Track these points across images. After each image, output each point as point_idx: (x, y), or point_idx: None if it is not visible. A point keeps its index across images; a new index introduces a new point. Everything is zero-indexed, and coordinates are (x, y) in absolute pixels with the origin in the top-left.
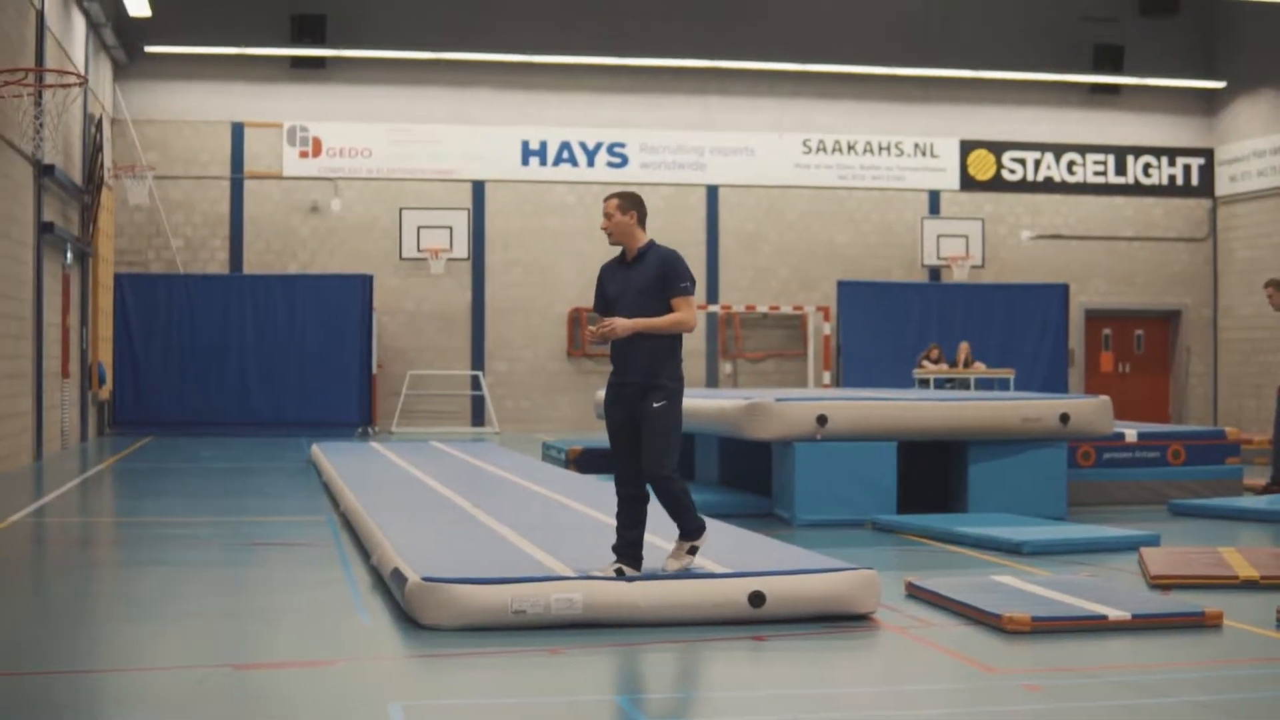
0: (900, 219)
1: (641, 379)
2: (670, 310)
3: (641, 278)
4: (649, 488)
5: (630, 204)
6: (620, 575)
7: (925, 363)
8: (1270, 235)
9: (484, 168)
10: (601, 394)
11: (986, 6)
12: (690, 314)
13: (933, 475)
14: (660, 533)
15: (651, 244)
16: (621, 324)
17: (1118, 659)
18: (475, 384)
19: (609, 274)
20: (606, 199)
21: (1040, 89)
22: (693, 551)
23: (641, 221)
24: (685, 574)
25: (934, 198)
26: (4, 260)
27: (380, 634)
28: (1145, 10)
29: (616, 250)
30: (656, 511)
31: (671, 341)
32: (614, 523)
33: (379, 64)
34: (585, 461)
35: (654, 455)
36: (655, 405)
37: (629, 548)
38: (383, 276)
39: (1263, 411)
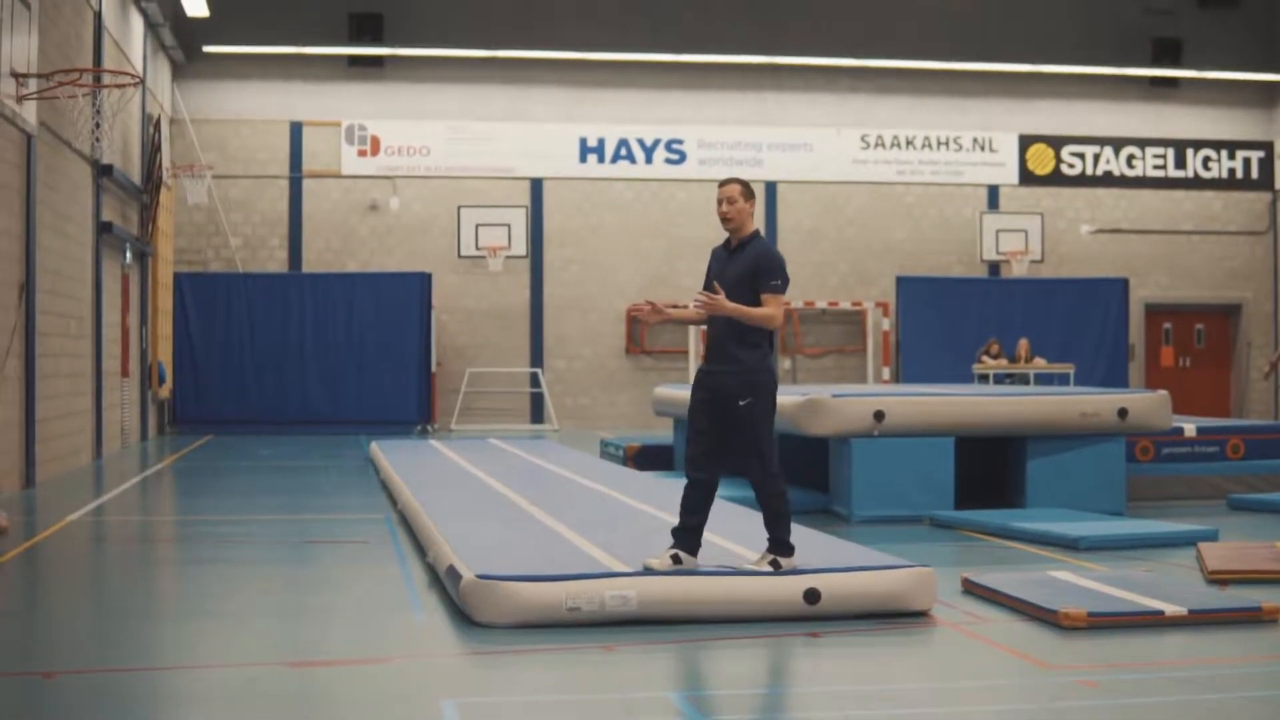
0: (959, 214)
1: (728, 369)
2: (759, 304)
3: (739, 267)
4: (752, 486)
5: (750, 192)
6: (676, 562)
7: (985, 358)
8: None
9: (542, 165)
10: (662, 389)
11: (1044, 0)
12: (777, 311)
13: (991, 471)
14: (725, 534)
15: (756, 234)
16: (722, 302)
17: (1174, 654)
18: (534, 381)
19: (715, 259)
20: (726, 184)
21: (1099, 83)
22: (774, 565)
23: (753, 211)
24: (740, 570)
25: (993, 192)
26: (63, 260)
27: (435, 631)
28: (1204, 3)
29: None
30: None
31: (758, 336)
32: (672, 519)
33: (436, 62)
34: (643, 458)
35: (752, 458)
36: (741, 403)
37: (687, 534)
38: (441, 274)
39: None
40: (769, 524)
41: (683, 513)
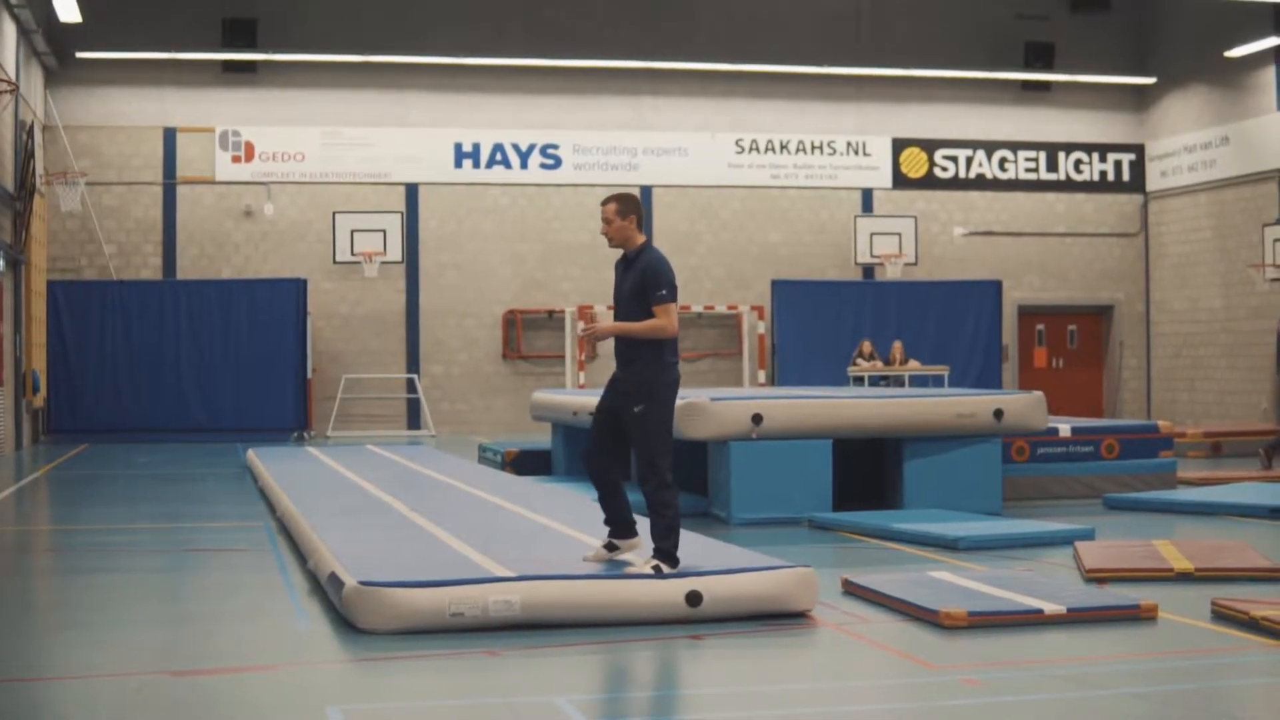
0: (833, 218)
1: (628, 380)
2: (650, 316)
3: (632, 280)
4: (644, 494)
5: (628, 207)
6: (612, 549)
7: (858, 360)
8: (1201, 229)
9: (417, 170)
10: (540, 394)
11: (917, 5)
12: (667, 320)
13: (868, 472)
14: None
15: (644, 247)
16: (602, 327)
17: (1055, 652)
18: (411, 387)
19: (616, 269)
20: (605, 202)
21: (972, 86)
22: (656, 570)
23: (639, 223)
24: (622, 574)
25: (867, 196)
26: None
27: (318, 638)
28: (1076, 7)
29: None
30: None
31: (656, 346)
32: (552, 523)
33: (311, 67)
34: (522, 463)
35: (643, 464)
36: (635, 410)
37: (615, 525)
38: (316, 280)
39: (1195, 405)
40: (657, 534)
41: (605, 507)
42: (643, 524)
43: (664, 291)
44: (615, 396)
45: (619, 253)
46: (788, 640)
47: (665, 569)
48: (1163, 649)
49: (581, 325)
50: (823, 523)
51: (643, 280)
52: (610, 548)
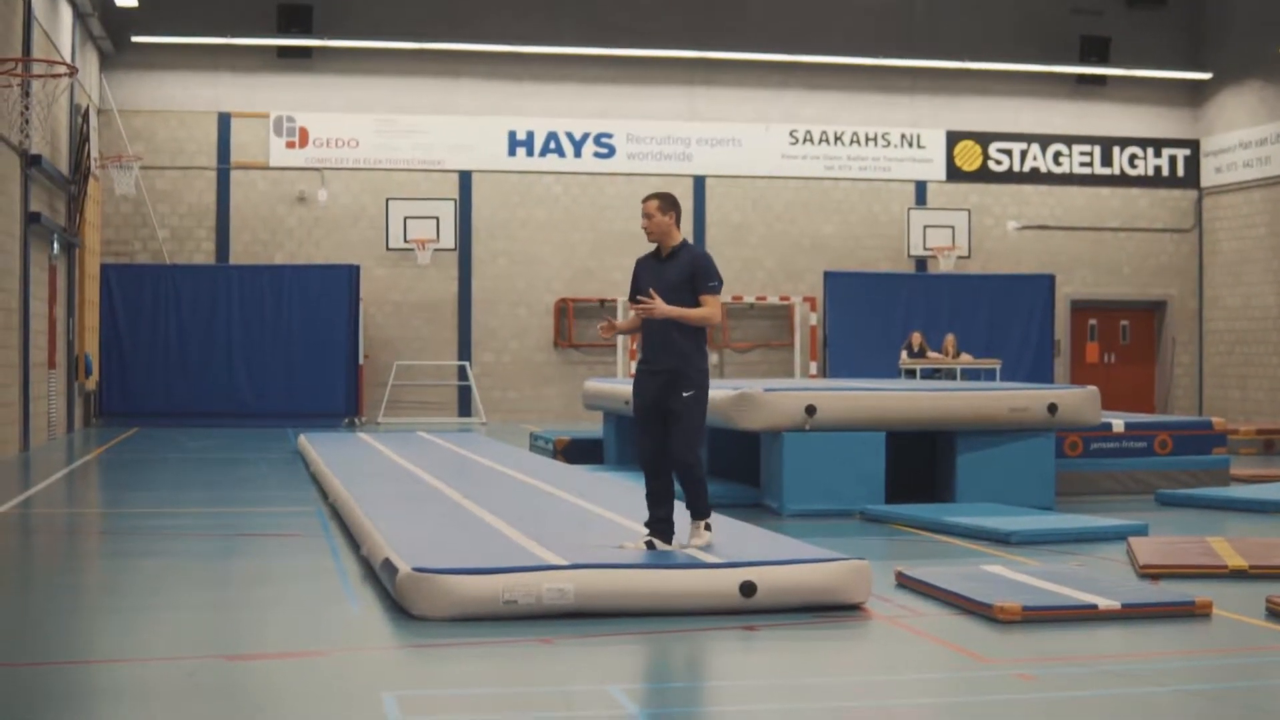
0: (886, 210)
1: (672, 367)
2: (697, 306)
3: (674, 274)
4: (677, 470)
5: (669, 205)
6: (651, 547)
7: (905, 353)
8: (1255, 226)
9: (471, 158)
10: (592, 383)
11: None
12: (717, 310)
13: (921, 465)
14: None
15: (685, 243)
16: (661, 306)
17: (1109, 648)
18: (462, 374)
19: (644, 267)
20: (646, 199)
21: (1027, 80)
22: (708, 529)
23: (677, 220)
24: (676, 564)
25: (920, 188)
26: None
27: (371, 624)
28: (1132, 2)
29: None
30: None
31: (698, 335)
32: (604, 511)
33: (365, 54)
34: (573, 452)
35: (683, 445)
36: (685, 395)
37: (659, 524)
38: (369, 267)
39: (1247, 402)
40: (696, 497)
41: (651, 505)
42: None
43: (714, 283)
44: (658, 387)
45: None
46: (841, 632)
47: (710, 521)
48: (1217, 646)
49: (643, 301)
50: (875, 515)
51: (693, 270)
52: (650, 545)
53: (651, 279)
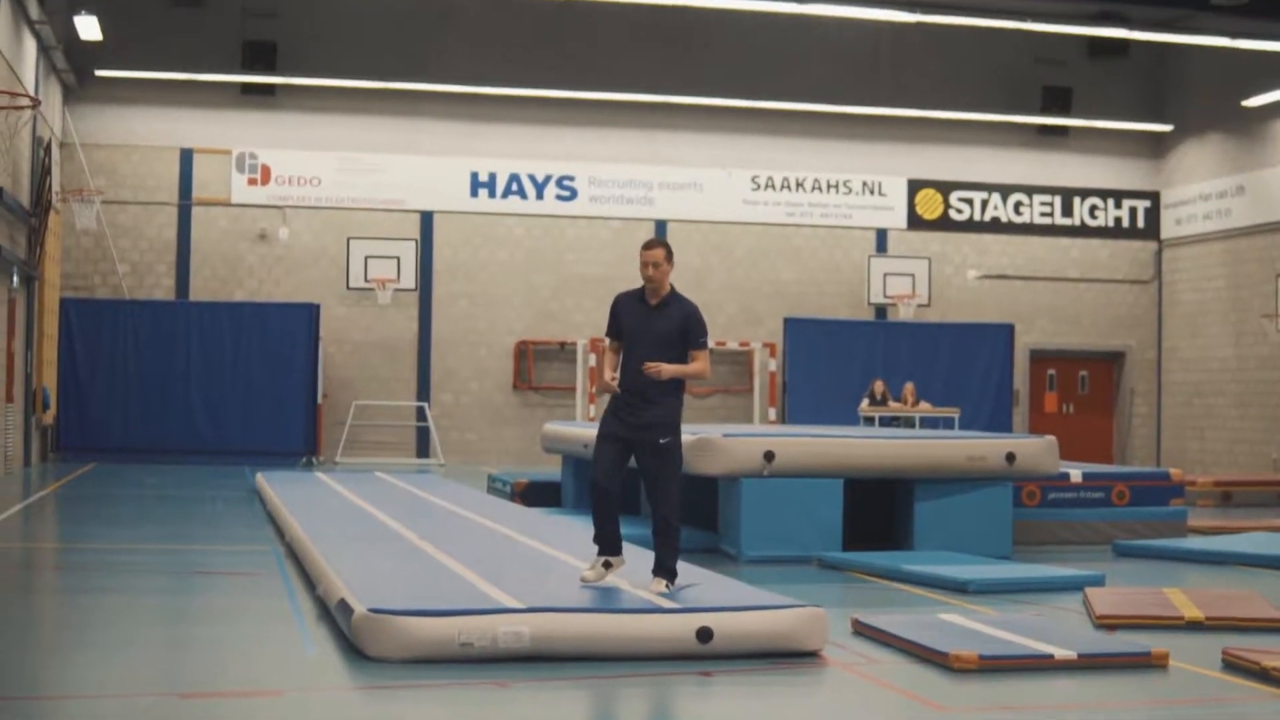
0: (847, 257)
1: (657, 414)
2: (685, 358)
3: (666, 325)
4: (658, 519)
5: (670, 254)
6: (607, 567)
7: (870, 400)
8: (1214, 278)
9: (432, 198)
10: (551, 426)
11: (937, 46)
12: (707, 366)
13: (879, 513)
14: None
15: (675, 293)
16: (666, 368)
17: (1064, 698)
18: (421, 415)
19: (627, 308)
20: (653, 248)
21: (988, 129)
22: (668, 589)
23: (671, 270)
24: (633, 609)
25: (881, 236)
26: None
27: (326, 665)
28: (1094, 53)
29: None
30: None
31: (680, 389)
32: (563, 556)
33: (329, 92)
34: (531, 494)
35: (669, 498)
36: (663, 441)
37: (612, 540)
38: (329, 306)
39: (1205, 453)
40: (669, 556)
41: (597, 522)
42: (634, 550)
43: (705, 339)
44: (633, 429)
45: (624, 288)
46: (797, 679)
47: (671, 587)
48: (1173, 697)
49: (651, 368)
50: (832, 562)
51: (686, 326)
52: (607, 565)
53: (640, 325)
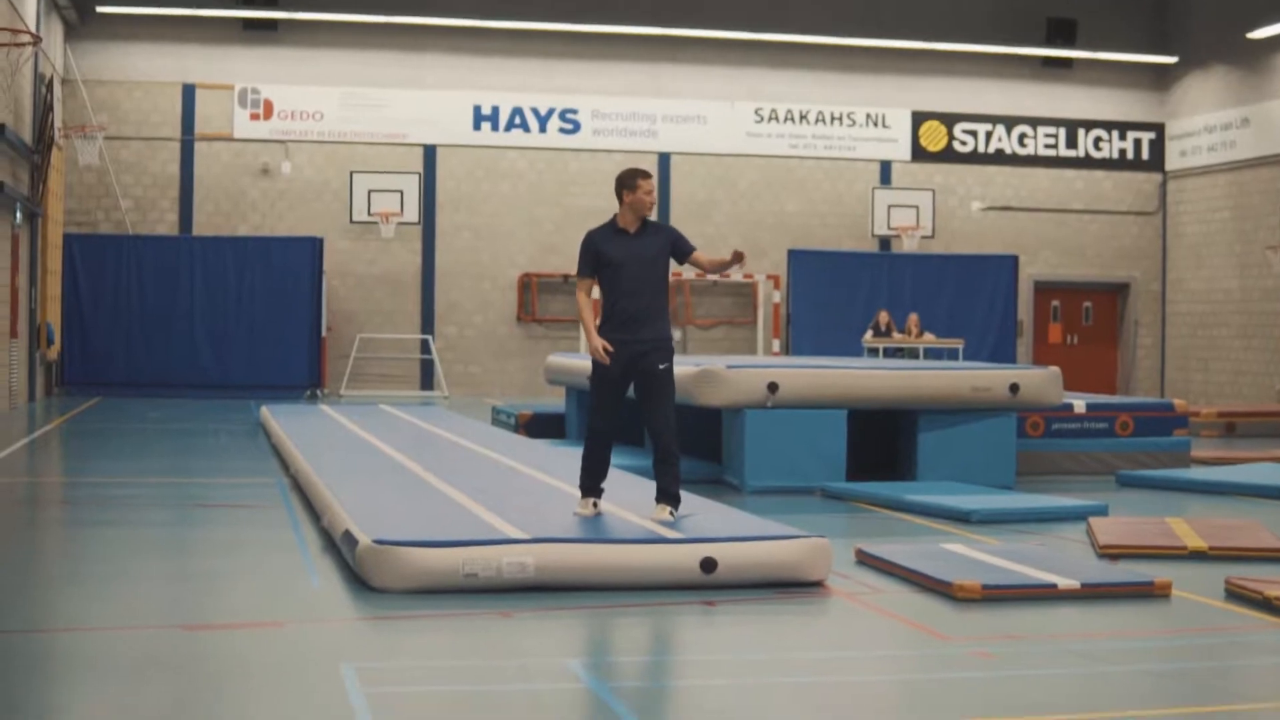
0: (851, 189)
1: (655, 336)
2: (667, 277)
3: (651, 247)
4: (659, 447)
5: None
6: (596, 505)
7: (874, 331)
8: (1219, 210)
9: (435, 132)
10: (555, 358)
11: None
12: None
13: (882, 443)
14: (619, 503)
15: (646, 219)
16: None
17: (1067, 627)
18: (425, 348)
19: (606, 241)
20: (648, 176)
21: (993, 61)
22: (673, 516)
23: None
24: (637, 539)
25: (885, 168)
26: None
27: (331, 596)
28: None
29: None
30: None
31: (668, 308)
32: (566, 486)
33: (331, 27)
34: (535, 426)
35: (670, 424)
36: (662, 367)
37: (598, 488)
38: (333, 239)
39: (1209, 385)
40: (672, 483)
41: (593, 467)
42: (634, 480)
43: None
44: (630, 358)
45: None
46: (800, 609)
47: (675, 514)
48: (1176, 626)
49: (732, 254)
50: (836, 493)
51: (673, 238)
52: (595, 505)
53: (625, 252)
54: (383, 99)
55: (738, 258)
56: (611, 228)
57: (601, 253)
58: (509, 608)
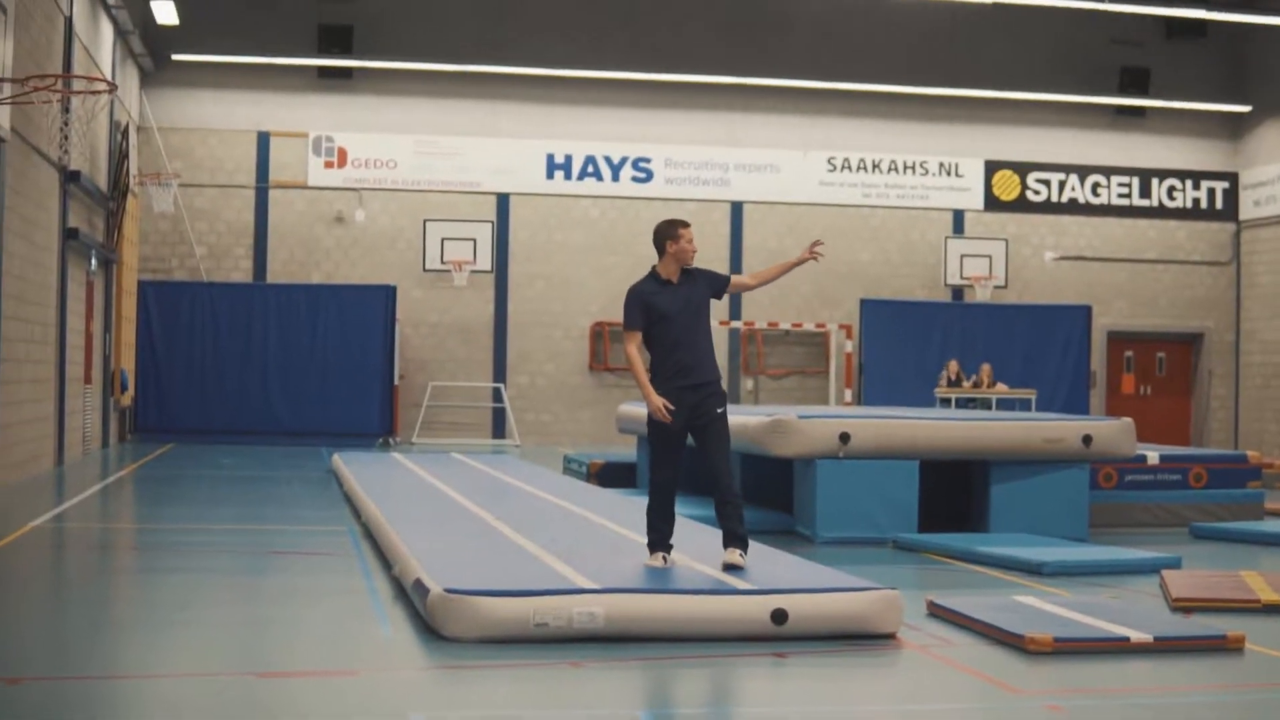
0: (924, 238)
1: (714, 379)
2: (709, 321)
3: (695, 292)
4: (715, 487)
5: None
6: (666, 560)
7: (944, 381)
8: None
9: (508, 180)
10: (626, 407)
11: (1013, 27)
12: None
13: (954, 494)
14: (688, 553)
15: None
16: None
17: (1140, 681)
18: (497, 396)
19: (655, 294)
20: (688, 225)
21: (1066, 110)
22: (743, 559)
23: None
24: (707, 590)
25: (958, 217)
26: (29, 266)
27: (402, 644)
28: (1172, 33)
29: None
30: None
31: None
32: (637, 536)
33: (405, 75)
34: (607, 475)
35: (725, 462)
36: (720, 410)
37: (668, 542)
38: (406, 288)
39: None
40: (738, 524)
41: (660, 521)
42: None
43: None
44: (695, 403)
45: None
46: (871, 661)
47: (745, 556)
48: (1250, 681)
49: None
50: (908, 544)
51: (711, 277)
52: (665, 559)
53: (673, 303)
54: (456, 147)
55: (812, 255)
56: (655, 280)
57: (652, 306)
58: (579, 658)
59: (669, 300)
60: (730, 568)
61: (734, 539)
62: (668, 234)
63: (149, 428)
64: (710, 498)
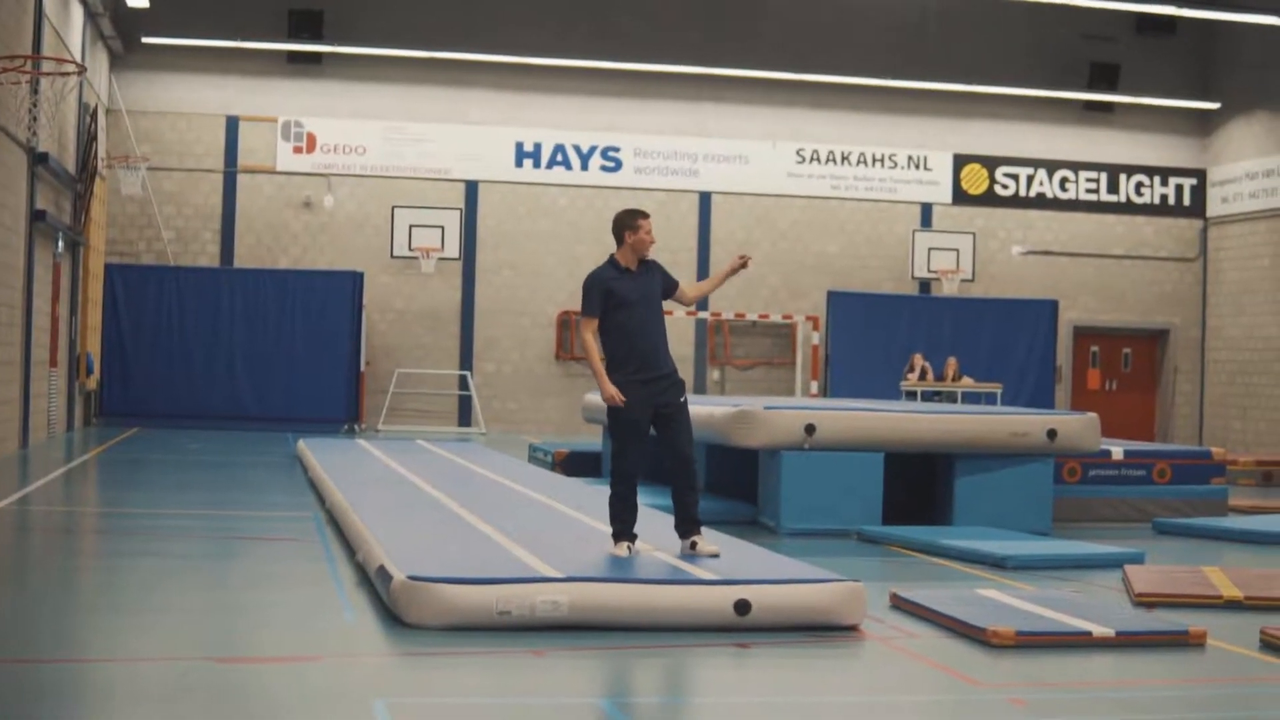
0: (891, 231)
1: (670, 373)
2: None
3: (655, 284)
4: (683, 473)
5: None
6: (631, 549)
7: (909, 375)
8: (1260, 257)
9: (477, 168)
10: (592, 396)
11: (983, 21)
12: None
13: (919, 487)
14: (647, 540)
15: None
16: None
17: (1102, 675)
18: (463, 384)
19: (616, 281)
20: (648, 216)
21: (1035, 105)
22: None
23: None
24: (671, 579)
25: (926, 210)
26: None
27: (364, 631)
28: (1142, 29)
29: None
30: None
31: None
32: (602, 525)
33: (375, 61)
34: (571, 464)
35: (689, 449)
36: (682, 399)
37: (633, 532)
38: (373, 274)
39: (1248, 433)
40: (694, 509)
41: (624, 510)
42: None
43: None
44: (653, 394)
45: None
46: (834, 653)
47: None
48: (1210, 676)
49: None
50: (872, 536)
51: (663, 274)
52: (629, 549)
53: (634, 290)
54: (425, 134)
55: (742, 263)
56: (614, 266)
57: (613, 291)
58: (542, 646)
59: (629, 287)
60: (713, 556)
61: (697, 526)
62: (627, 224)
63: (114, 411)
64: (669, 486)
